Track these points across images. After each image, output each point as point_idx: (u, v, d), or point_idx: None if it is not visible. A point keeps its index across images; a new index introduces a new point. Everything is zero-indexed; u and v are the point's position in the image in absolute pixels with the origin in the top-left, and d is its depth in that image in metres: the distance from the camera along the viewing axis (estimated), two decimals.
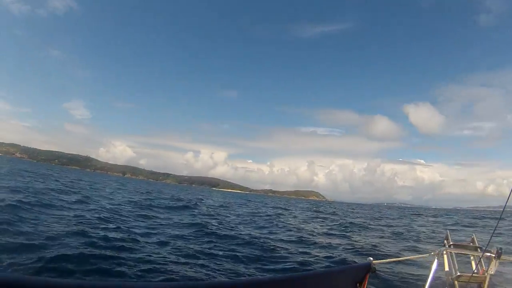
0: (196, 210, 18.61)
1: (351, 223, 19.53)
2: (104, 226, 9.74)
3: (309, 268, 7.76)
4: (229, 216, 18.20)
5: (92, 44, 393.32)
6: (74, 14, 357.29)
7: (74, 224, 9.20)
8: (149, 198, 24.12)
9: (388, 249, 10.79)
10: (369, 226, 18.96)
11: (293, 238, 11.88)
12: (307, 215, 25.92)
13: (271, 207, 35.41)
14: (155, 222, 12.62)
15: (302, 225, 16.95)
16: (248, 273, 6.92)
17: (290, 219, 20.61)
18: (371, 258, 2.28)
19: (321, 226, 17.53)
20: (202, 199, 32.41)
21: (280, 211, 27.89)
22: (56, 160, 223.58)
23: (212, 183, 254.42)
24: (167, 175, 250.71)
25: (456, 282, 2.79)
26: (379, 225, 20.51)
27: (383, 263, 2.84)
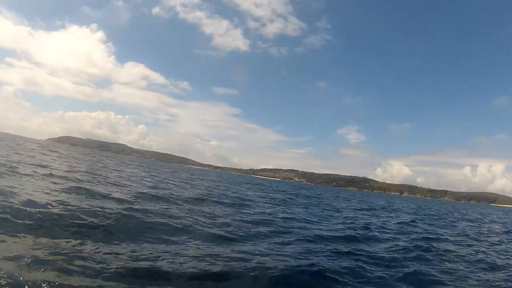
0: None
1: None
2: None
3: None
4: None
5: (356, 72, 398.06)
6: (332, 46, 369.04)
7: None
8: None
9: None
10: None
11: None
12: None
13: None
14: None
15: None
16: None
17: None
18: None
19: None
20: None
21: None
22: (334, 182, 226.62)
23: (490, 199, 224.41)
24: (444, 192, 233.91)
25: None
26: None
27: None
